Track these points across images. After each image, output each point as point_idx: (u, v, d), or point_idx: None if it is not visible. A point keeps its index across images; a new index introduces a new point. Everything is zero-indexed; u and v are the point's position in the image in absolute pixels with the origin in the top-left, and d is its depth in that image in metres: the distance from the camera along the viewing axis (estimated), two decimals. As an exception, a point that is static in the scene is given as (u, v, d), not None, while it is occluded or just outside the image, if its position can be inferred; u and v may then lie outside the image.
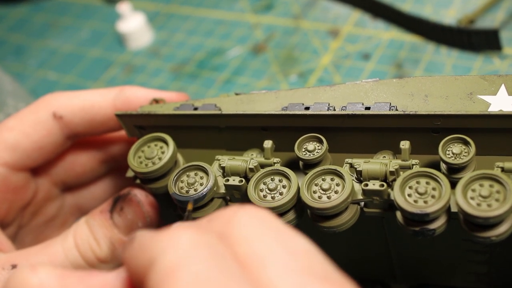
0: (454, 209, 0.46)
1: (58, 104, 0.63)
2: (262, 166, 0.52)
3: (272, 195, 0.49)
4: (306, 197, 0.47)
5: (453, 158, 0.46)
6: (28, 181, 0.64)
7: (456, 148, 0.47)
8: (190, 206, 0.53)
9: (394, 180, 0.47)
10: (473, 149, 0.46)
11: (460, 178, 0.45)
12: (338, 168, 0.48)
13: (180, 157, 0.57)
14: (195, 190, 0.51)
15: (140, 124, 0.58)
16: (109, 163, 0.71)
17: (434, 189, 0.45)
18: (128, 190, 0.62)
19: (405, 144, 0.48)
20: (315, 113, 0.51)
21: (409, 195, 0.46)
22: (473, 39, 0.83)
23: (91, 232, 0.59)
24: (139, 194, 0.62)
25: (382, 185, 0.47)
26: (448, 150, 0.47)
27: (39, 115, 0.63)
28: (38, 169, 0.66)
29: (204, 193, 0.51)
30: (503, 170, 0.46)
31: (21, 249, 0.62)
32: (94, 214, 0.61)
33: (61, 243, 0.59)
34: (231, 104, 0.56)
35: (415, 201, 0.45)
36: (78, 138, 0.66)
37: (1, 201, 0.62)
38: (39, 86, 1.06)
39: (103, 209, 0.61)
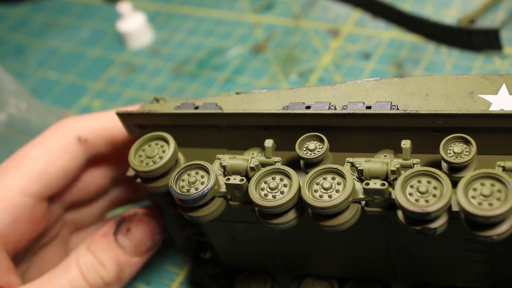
0: (455, 208, 0.46)
1: (81, 128, 0.63)
2: (263, 165, 0.52)
3: (273, 194, 0.49)
4: (307, 196, 0.47)
5: (454, 157, 0.46)
6: (47, 208, 0.63)
7: (457, 147, 0.47)
8: None
9: (395, 179, 0.47)
10: (474, 148, 0.46)
11: (461, 177, 0.45)
12: (339, 167, 0.48)
13: (181, 156, 0.57)
14: (196, 189, 0.51)
15: (140, 123, 0.58)
16: (119, 179, 0.69)
17: (435, 188, 0.45)
18: (134, 211, 0.62)
19: (406, 143, 0.48)
20: (316, 112, 0.51)
21: (410, 194, 0.46)
22: (473, 39, 0.83)
23: (96, 258, 0.59)
24: (147, 214, 0.62)
25: (383, 184, 0.47)
26: (449, 149, 0.47)
27: (63, 141, 0.62)
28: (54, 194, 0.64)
29: (205, 192, 0.51)
30: (504, 169, 0.46)
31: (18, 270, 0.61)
32: (95, 238, 0.60)
33: (64, 275, 0.58)
34: (232, 103, 0.56)
35: (416, 200, 0.45)
36: (95, 158, 0.66)
37: (25, 233, 0.61)
38: (40, 85, 1.06)
39: (105, 232, 0.60)
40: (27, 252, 0.64)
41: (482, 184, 0.44)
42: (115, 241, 0.60)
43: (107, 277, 0.59)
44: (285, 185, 0.49)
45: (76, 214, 0.70)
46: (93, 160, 0.66)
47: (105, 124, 0.63)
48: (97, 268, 0.58)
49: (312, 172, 0.48)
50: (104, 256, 0.59)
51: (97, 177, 0.67)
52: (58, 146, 0.62)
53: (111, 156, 0.67)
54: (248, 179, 0.51)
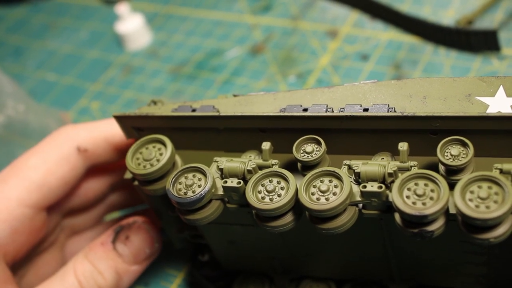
0: (452, 210, 0.45)
1: (81, 138, 0.62)
2: (260, 167, 0.52)
3: (270, 196, 0.49)
4: (304, 199, 0.47)
5: (451, 160, 0.46)
6: (46, 218, 0.63)
7: (455, 149, 0.47)
8: None
9: (393, 181, 0.47)
10: (471, 150, 0.46)
11: (458, 180, 0.45)
12: (337, 170, 0.48)
13: (178, 159, 0.57)
14: (193, 191, 0.51)
15: (138, 126, 0.58)
16: (117, 184, 0.69)
17: (432, 190, 0.45)
18: (133, 219, 0.62)
19: (403, 146, 0.48)
20: (313, 114, 0.51)
21: (408, 197, 0.45)
22: (471, 40, 0.83)
23: (94, 266, 0.58)
24: (146, 222, 0.61)
25: (381, 187, 0.47)
26: (447, 152, 0.47)
27: (62, 151, 0.61)
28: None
29: (202, 195, 0.50)
30: (501, 171, 0.46)
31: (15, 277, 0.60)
32: (93, 247, 0.59)
33: (61, 284, 0.57)
34: (229, 106, 0.56)
35: (414, 203, 0.45)
36: (95, 167, 0.65)
37: (24, 243, 0.60)
38: (38, 87, 1.06)
39: (104, 240, 0.60)
40: (25, 258, 0.64)
41: (479, 187, 0.44)
42: (113, 250, 0.59)
43: (104, 285, 0.58)
44: (282, 188, 0.49)
45: (74, 220, 0.69)
46: (92, 168, 0.65)
47: (105, 133, 0.63)
48: (94, 276, 0.58)
49: (309, 174, 0.48)
50: (102, 264, 0.58)
51: (96, 184, 0.67)
52: (57, 156, 0.61)
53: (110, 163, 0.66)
54: (246, 181, 0.51)
